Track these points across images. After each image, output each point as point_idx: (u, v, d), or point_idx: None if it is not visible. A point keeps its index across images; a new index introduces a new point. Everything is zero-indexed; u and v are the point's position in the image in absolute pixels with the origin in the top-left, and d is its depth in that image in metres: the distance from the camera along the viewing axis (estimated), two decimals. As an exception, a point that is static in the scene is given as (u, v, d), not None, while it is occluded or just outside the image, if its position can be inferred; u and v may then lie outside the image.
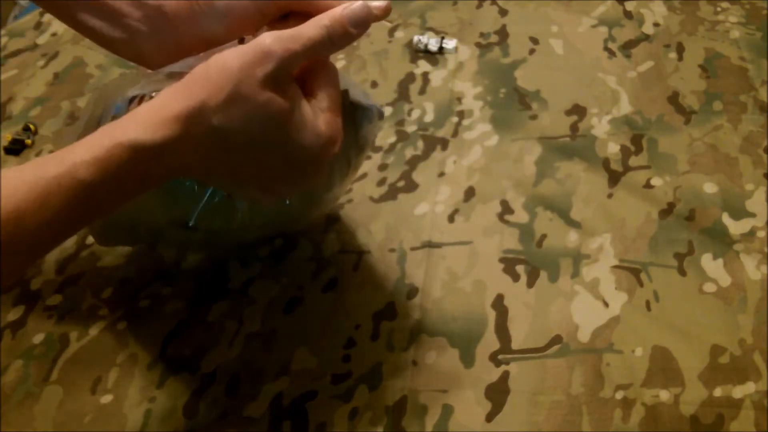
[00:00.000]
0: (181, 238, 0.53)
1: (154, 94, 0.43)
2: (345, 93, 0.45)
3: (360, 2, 0.41)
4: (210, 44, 0.45)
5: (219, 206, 0.47)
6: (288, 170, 0.41)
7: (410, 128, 0.67)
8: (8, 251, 0.35)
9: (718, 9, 0.76)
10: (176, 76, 0.43)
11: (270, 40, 0.38)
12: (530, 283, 0.54)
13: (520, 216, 0.59)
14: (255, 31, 0.46)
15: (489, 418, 0.48)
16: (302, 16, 0.44)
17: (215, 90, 0.37)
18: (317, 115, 0.40)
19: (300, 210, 0.53)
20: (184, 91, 0.38)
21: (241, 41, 0.44)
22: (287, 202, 0.48)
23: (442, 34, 0.76)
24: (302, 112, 0.40)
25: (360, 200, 0.61)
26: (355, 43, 0.48)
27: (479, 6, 0.80)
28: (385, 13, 0.42)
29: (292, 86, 0.40)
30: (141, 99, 0.44)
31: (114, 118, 0.41)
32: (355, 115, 0.48)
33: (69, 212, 0.36)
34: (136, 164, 0.37)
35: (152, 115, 0.37)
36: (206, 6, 0.45)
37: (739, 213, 0.57)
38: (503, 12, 0.79)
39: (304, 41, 0.39)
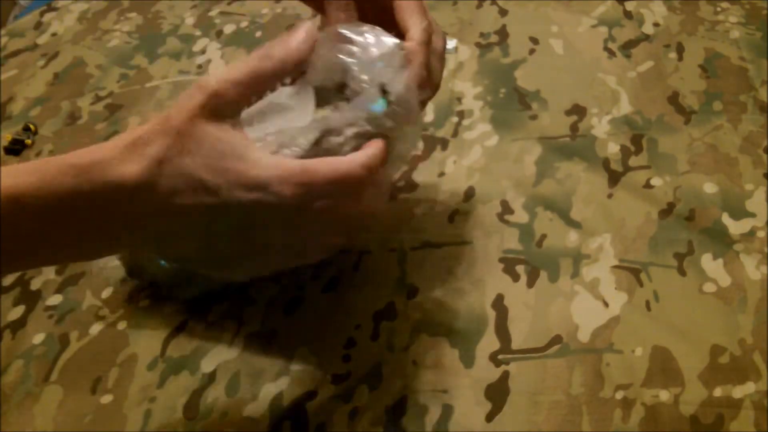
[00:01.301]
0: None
1: None
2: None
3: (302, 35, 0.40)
4: None
5: None
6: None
7: (410, 128, 0.67)
8: (7, 235, 0.33)
9: (718, 9, 0.76)
10: None
11: (210, 77, 0.37)
12: (530, 283, 0.54)
13: (520, 216, 0.59)
14: None
15: (489, 418, 0.48)
16: None
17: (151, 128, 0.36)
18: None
19: None
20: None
21: None
22: None
23: (442, 34, 0.76)
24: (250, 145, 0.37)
25: (360, 200, 0.61)
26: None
27: (479, 6, 0.80)
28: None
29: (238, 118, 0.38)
30: None
31: None
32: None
33: (75, 197, 0.34)
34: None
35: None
36: None
37: (739, 213, 0.57)
38: (503, 12, 0.79)
39: (244, 72, 0.38)
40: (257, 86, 0.39)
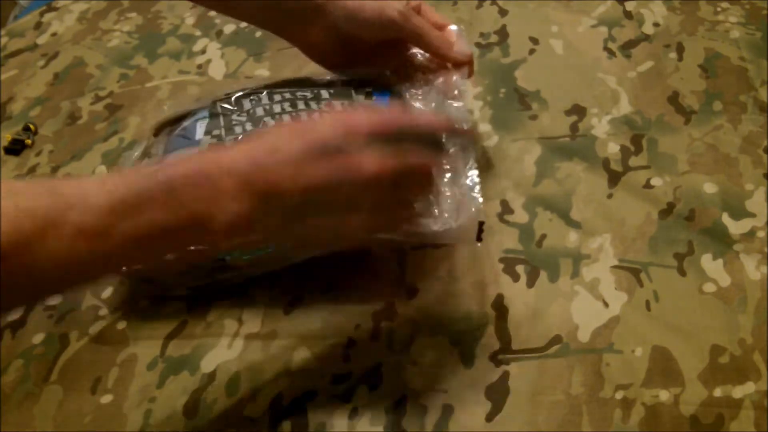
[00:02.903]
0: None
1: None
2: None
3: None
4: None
5: None
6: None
7: (410, 128, 0.67)
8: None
9: (718, 9, 0.76)
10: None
11: None
12: (530, 283, 0.54)
13: (520, 216, 0.59)
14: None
15: (489, 418, 0.48)
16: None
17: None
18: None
19: None
20: None
21: None
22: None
23: (442, 34, 0.76)
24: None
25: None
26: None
27: (479, 6, 0.80)
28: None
29: None
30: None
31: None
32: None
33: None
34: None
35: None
36: None
37: (739, 213, 0.57)
38: (503, 12, 0.78)
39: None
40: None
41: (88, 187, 0.36)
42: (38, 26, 0.85)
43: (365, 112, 0.42)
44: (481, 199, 0.49)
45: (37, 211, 0.34)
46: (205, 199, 0.37)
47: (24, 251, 0.33)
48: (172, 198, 0.37)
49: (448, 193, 0.50)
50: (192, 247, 0.40)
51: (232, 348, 0.53)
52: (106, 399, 0.51)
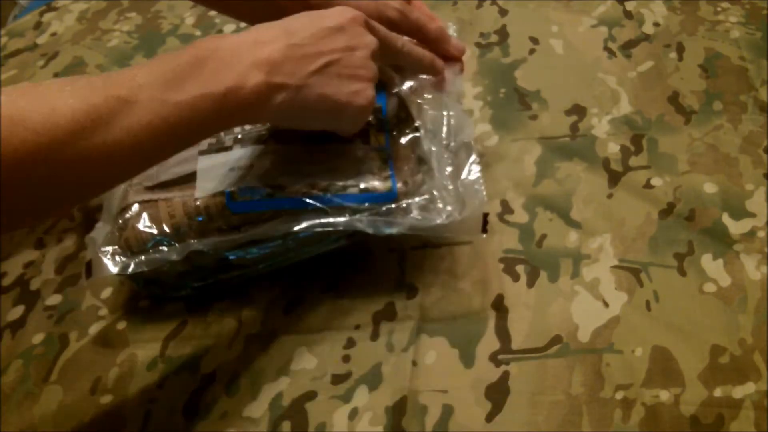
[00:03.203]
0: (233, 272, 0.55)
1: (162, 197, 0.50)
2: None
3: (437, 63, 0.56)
4: None
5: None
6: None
7: (410, 128, 0.67)
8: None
9: (718, 9, 0.76)
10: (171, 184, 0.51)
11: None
12: (530, 283, 0.54)
13: (520, 216, 0.59)
14: None
15: (489, 418, 0.48)
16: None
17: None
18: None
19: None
20: None
21: None
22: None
23: (442, 34, 0.76)
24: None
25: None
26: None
27: (479, 6, 0.80)
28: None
29: None
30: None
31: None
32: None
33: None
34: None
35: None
36: None
37: (739, 213, 0.57)
38: (503, 12, 0.79)
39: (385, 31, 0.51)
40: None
41: (130, 72, 0.40)
42: (38, 26, 0.85)
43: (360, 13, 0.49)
44: (484, 192, 0.49)
45: (110, 91, 0.38)
46: (230, 73, 0.42)
47: (101, 128, 0.37)
48: (202, 72, 0.41)
49: (450, 187, 0.50)
50: (237, 119, 0.44)
51: (232, 348, 0.53)
52: (106, 399, 0.51)
